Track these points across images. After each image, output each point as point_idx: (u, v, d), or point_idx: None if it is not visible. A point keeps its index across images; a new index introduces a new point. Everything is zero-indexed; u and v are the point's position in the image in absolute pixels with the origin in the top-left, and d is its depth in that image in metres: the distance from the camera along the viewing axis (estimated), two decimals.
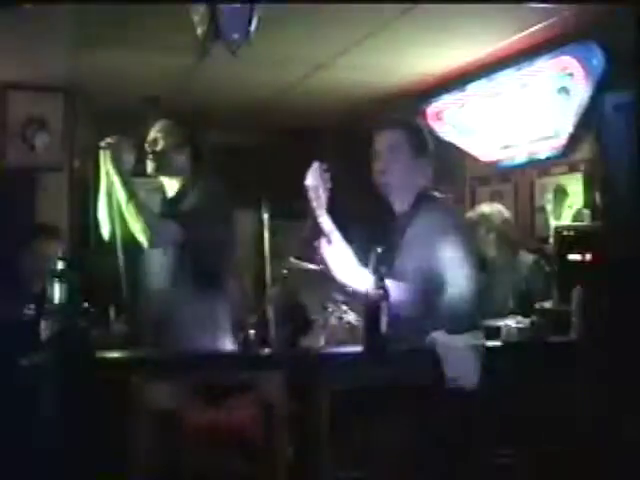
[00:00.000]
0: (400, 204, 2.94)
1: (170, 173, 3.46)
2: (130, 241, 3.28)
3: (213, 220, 3.28)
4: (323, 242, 2.91)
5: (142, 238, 3.20)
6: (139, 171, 3.39)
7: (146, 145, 3.43)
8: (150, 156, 3.42)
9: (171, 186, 3.48)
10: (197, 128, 3.54)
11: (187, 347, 3.14)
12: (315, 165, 2.93)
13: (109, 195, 3.32)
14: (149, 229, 3.21)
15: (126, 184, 3.24)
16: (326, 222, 2.91)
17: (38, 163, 5.66)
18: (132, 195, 3.24)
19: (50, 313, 3.13)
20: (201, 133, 3.54)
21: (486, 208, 4.34)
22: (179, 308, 3.30)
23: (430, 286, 2.69)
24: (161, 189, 3.50)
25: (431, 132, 3.23)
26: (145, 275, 3.43)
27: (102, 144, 3.30)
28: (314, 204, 2.90)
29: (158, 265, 3.37)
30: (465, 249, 2.78)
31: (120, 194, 3.24)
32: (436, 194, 2.97)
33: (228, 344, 3.33)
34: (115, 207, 3.29)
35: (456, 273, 2.72)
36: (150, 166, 3.43)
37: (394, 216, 2.95)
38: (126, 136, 3.37)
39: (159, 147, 3.42)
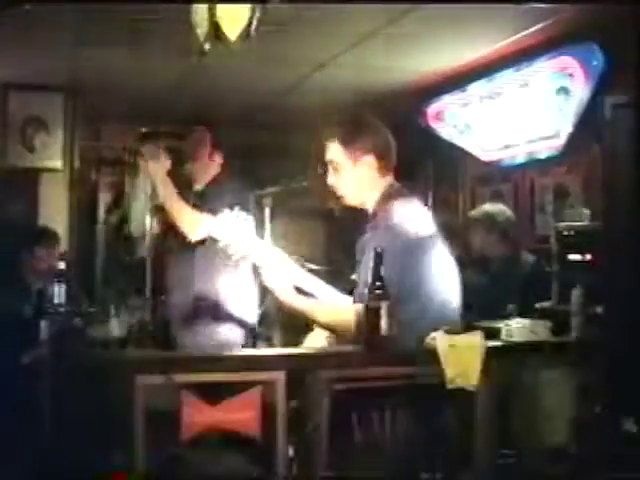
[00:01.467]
0: (367, 206, 2.88)
1: (204, 179, 3.75)
2: (163, 238, 3.53)
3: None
4: (264, 273, 2.83)
5: (188, 232, 3.49)
6: (174, 173, 3.60)
7: (183, 152, 3.67)
8: (187, 162, 3.73)
9: (200, 182, 3.76)
10: (229, 136, 3.80)
11: (215, 343, 3.31)
12: (224, 213, 2.79)
13: (144, 196, 3.51)
14: (194, 224, 3.48)
15: (166, 187, 3.44)
16: (257, 254, 2.80)
17: (38, 163, 5.66)
18: (174, 196, 3.52)
19: (50, 313, 3.14)
20: (232, 140, 3.80)
21: (489, 207, 4.34)
22: (208, 303, 3.46)
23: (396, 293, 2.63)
24: (187, 184, 3.71)
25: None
26: (175, 272, 3.63)
27: (142, 149, 3.52)
28: (231, 250, 2.77)
29: (188, 262, 3.56)
30: (428, 253, 2.72)
31: (162, 197, 3.46)
32: (400, 195, 2.85)
33: (249, 340, 3.47)
34: (151, 207, 3.49)
35: (420, 276, 2.69)
36: (187, 171, 3.74)
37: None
38: (161, 141, 3.59)
39: (195, 154, 3.71)
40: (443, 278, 2.77)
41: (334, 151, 2.85)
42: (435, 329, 2.60)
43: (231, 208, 3.20)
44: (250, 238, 2.80)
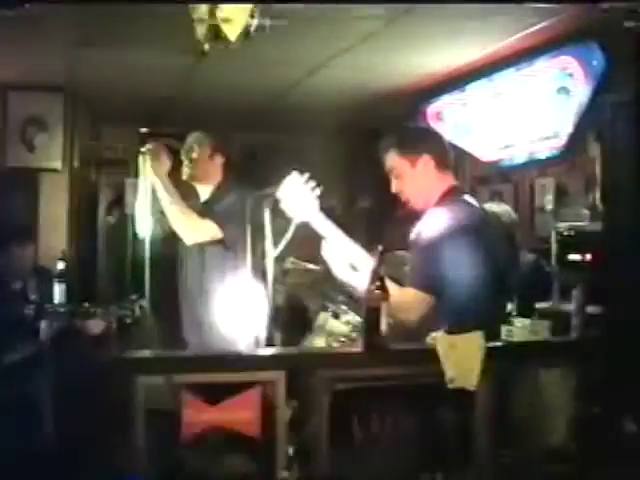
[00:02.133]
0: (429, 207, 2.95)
1: (204, 180, 3.71)
2: (166, 241, 3.52)
3: (245, 221, 3.46)
4: (324, 244, 2.91)
5: (184, 235, 3.49)
6: (175, 175, 3.59)
7: (182, 153, 3.65)
8: (186, 164, 3.68)
9: (204, 190, 3.72)
10: (229, 138, 3.78)
11: (219, 344, 3.31)
12: (292, 175, 2.91)
13: (145, 196, 3.49)
14: (191, 227, 3.49)
15: (167, 187, 3.44)
16: (318, 223, 2.91)
17: (38, 163, 5.66)
18: (174, 197, 3.49)
19: (50, 313, 3.14)
20: (232, 142, 3.79)
21: (494, 207, 4.34)
22: (212, 305, 3.46)
23: (430, 286, 2.71)
24: (193, 192, 3.69)
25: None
26: (179, 273, 3.63)
27: (143, 149, 3.49)
28: (290, 213, 2.89)
29: (193, 264, 3.55)
30: (471, 249, 2.76)
31: (161, 197, 3.44)
32: (457, 194, 2.93)
33: (251, 343, 3.46)
34: (152, 209, 3.46)
35: (459, 273, 2.73)
36: (186, 173, 3.69)
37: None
38: (161, 141, 3.57)
39: (194, 156, 3.66)
40: (481, 280, 2.79)
41: (392, 159, 2.95)
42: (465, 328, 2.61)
43: (241, 218, 3.30)
44: (312, 205, 2.88)
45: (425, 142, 2.96)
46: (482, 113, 5.04)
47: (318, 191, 2.91)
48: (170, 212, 3.49)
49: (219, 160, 3.72)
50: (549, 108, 4.51)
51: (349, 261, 2.89)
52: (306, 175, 2.91)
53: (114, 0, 3.77)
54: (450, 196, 2.90)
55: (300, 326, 3.63)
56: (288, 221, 2.96)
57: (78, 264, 5.58)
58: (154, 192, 3.48)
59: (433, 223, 2.81)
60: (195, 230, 3.51)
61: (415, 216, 2.95)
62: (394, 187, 2.97)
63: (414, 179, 2.93)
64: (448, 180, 2.95)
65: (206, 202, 3.70)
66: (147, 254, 3.37)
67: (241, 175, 3.84)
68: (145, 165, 3.49)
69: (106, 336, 3.51)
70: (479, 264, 2.79)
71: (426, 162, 2.92)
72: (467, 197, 2.96)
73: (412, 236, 2.87)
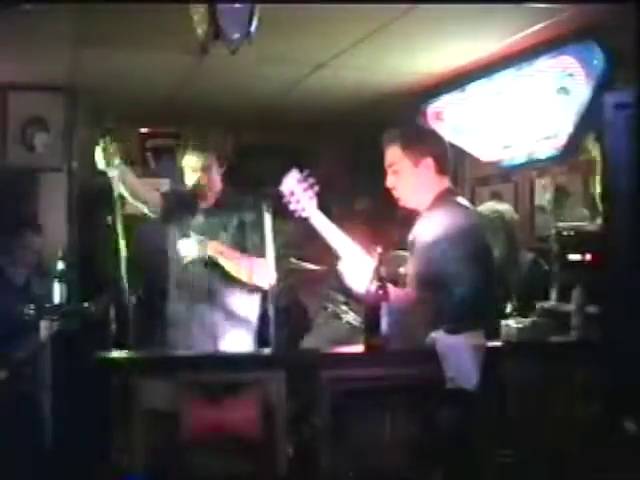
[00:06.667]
0: (421, 208, 2.97)
1: (205, 189, 3.76)
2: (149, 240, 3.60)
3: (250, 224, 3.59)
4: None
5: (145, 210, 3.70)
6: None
7: (185, 164, 3.81)
8: (188, 173, 3.78)
9: (205, 199, 3.79)
10: (227, 144, 3.85)
11: (211, 345, 3.34)
12: (292, 172, 2.99)
13: (121, 197, 3.54)
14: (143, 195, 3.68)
15: (124, 174, 3.63)
16: (317, 220, 2.94)
17: (38, 163, 5.66)
18: (135, 186, 3.65)
19: (50, 313, 3.14)
20: (230, 147, 3.86)
21: (498, 205, 4.35)
22: (206, 303, 3.49)
23: (428, 287, 2.72)
24: (193, 201, 3.84)
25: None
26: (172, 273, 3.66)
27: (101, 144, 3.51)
28: (292, 207, 2.98)
29: (179, 264, 3.60)
30: (468, 250, 2.77)
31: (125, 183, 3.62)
32: (451, 196, 2.96)
33: (246, 343, 3.48)
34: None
35: (457, 274, 2.73)
36: (189, 182, 3.77)
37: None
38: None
39: (198, 167, 3.75)
40: (478, 280, 2.80)
41: (394, 154, 2.96)
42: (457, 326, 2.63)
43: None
44: (311, 202, 2.96)
45: (430, 144, 2.99)
46: (482, 113, 5.04)
47: (317, 188, 2.93)
48: (129, 185, 3.56)
49: (219, 170, 3.75)
50: (549, 108, 4.51)
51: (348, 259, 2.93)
52: (305, 172, 2.94)
53: (114, 0, 3.77)
54: (444, 198, 2.93)
55: (300, 326, 3.63)
56: (288, 218, 3.00)
57: (78, 264, 5.57)
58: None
59: (430, 226, 2.83)
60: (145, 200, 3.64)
61: (413, 217, 2.97)
62: (389, 182, 2.99)
63: (413, 179, 2.95)
64: (444, 183, 2.97)
65: (208, 210, 3.73)
66: (122, 247, 3.40)
67: (240, 176, 3.85)
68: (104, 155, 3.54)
69: (106, 335, 3.51)
70: (476, 265, 2.80)
71: (428, 164, 2.94)
72: (460, 199, 2.99)
73: (410, 238, 2.89)
